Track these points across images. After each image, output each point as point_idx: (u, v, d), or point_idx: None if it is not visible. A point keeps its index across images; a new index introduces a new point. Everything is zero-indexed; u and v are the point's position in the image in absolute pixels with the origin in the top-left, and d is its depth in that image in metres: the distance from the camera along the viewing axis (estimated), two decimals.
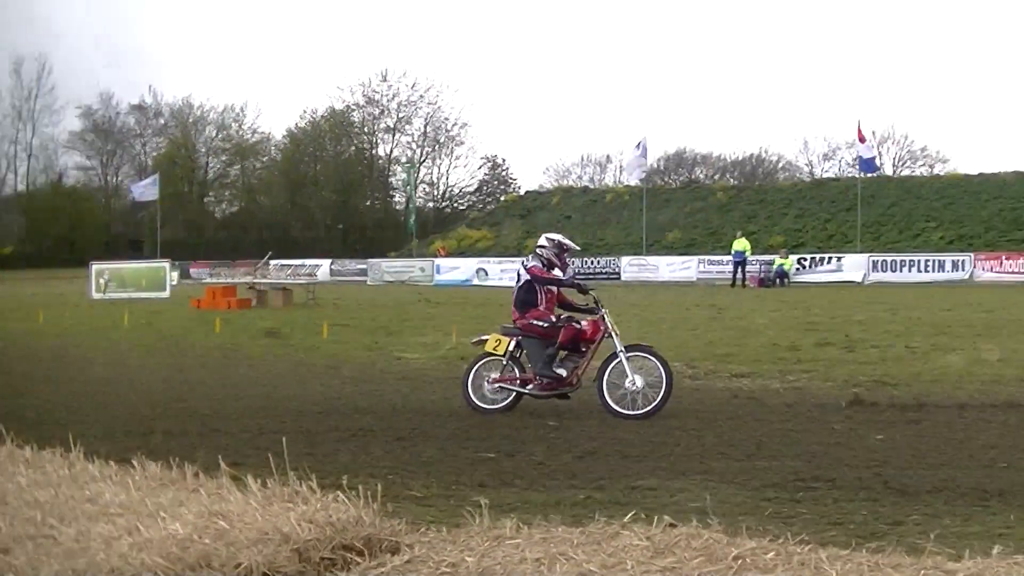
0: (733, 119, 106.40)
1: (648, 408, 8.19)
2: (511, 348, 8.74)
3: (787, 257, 35.59)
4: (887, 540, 4.15)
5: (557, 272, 9.01)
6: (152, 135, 77.91)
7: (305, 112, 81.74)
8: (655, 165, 64.69)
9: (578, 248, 9.85)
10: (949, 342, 13.50)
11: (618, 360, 8.41)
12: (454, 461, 6.76)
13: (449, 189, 77.20)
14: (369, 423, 8.28)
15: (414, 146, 74.93)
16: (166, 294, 30.61)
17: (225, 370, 12.35)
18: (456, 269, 42.70)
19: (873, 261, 35.42)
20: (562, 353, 8.59)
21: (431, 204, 75.37)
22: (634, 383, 8.27)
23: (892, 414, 8.35)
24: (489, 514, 4.00)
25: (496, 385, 8.70)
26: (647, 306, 22.56)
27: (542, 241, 9.16)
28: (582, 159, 78.40)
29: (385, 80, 72.91)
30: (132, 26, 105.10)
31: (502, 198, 68.69)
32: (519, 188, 71.45)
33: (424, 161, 74.18)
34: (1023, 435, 7.48)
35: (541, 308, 8.76)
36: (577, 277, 11.47)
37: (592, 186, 67.26)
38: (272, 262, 39.58)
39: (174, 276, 36.08)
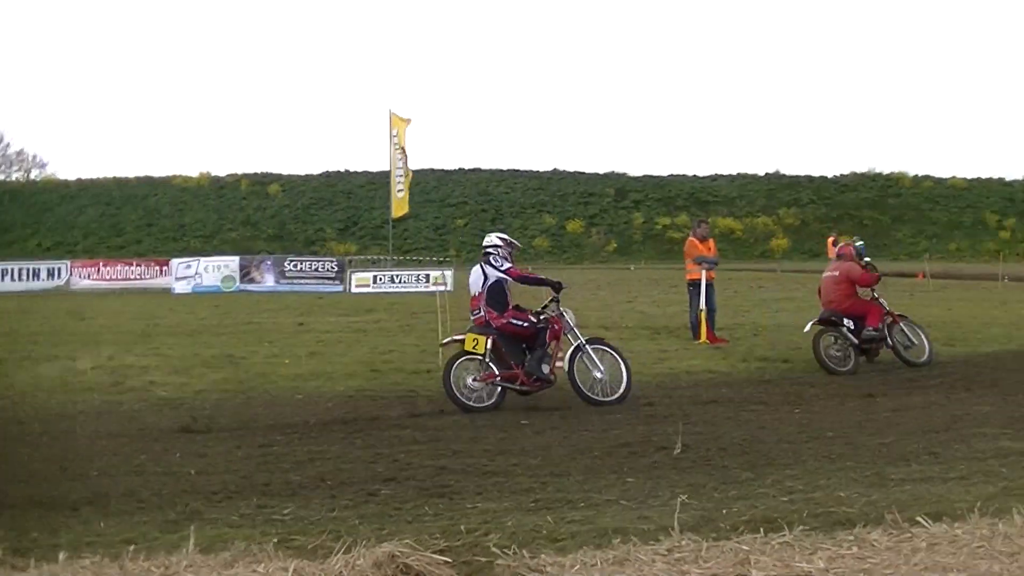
0: None
1: (618, 394, 8.74)
2: (488, 347, 8.62)
3: None
4: None
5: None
6: None
7: None
8: None
9: (520, 246, 10.10)
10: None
11: (583, 352, 8.83)
12: None
13: None
14: None
15: None
16: None
17: None
18: None
19: None
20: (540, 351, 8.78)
21: None
22: (600, 372, 8.80)
23: None
24: None
25: (482, 383, 8.62)
26: None
27: (495, 240, 9.24)
28: None
29: None
30: None
31: None
32: None
33: None
34: None
35: (511, 307, 8.95)
36: None
37: None
38: None
39: None
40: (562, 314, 9.05)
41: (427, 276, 30.90)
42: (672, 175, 67.73)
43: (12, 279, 31.81)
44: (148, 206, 52.92)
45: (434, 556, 3.50)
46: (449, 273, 29.31)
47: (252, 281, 31.20)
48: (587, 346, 8.92)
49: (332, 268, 32.08)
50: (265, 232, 57.55)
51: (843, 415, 8.06)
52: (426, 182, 62.77)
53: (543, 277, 9.46)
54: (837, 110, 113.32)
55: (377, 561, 3.40)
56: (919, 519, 3.22)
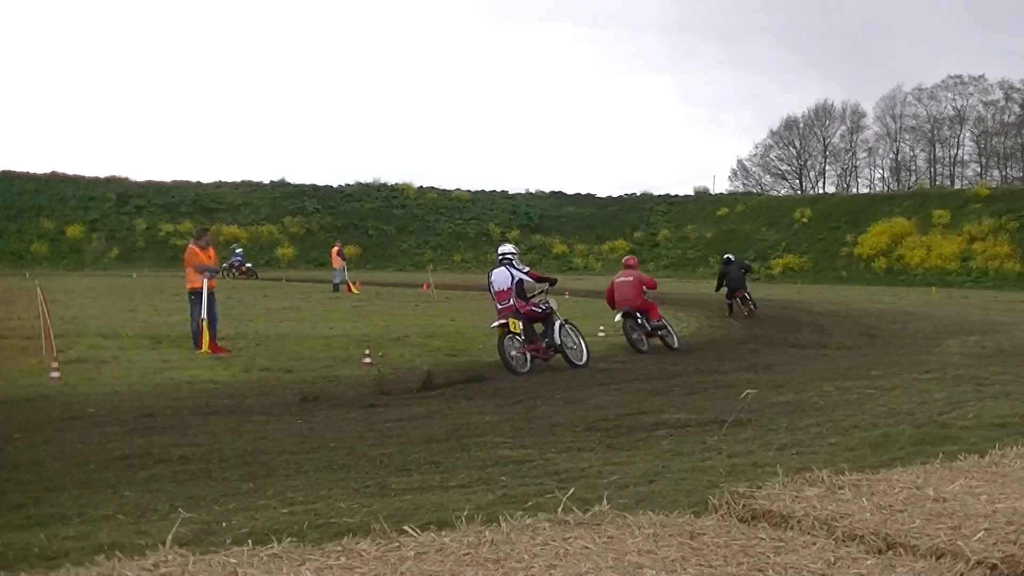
0: None
1: (583, 362, 12.40)
2: (521, 327, 12.10)
3: None
4: None
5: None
6: None
7: None
8: None
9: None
10: None
11: (565, 328, 12.49)
12: None
13: None
14: None
15: None
16: None
17: None
18: None
19: None
20: (539, 326, 12.48)
21: None
22: (577, 343, 12.55)
23: None
24: None
25: (524, 353, 11.93)
26: None
27: (511, 249, 12.91)
28: None
29: None
30: None
31: None
32: None
33: None
34: None
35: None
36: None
37: None
38: None
39: None
40: (549, 302, 12.71)
41: None
42: (175, 181, 64.93)
43: None
44: None
45: None
46: None
47: None
48: (567, 324, 12.50)
49: None
50: None
51: (345, 426, 8.15)
52: None
53: (546, 276, 13.52)
54: (344, 121, 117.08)
55: None
56: (407, 528, 3.36)
